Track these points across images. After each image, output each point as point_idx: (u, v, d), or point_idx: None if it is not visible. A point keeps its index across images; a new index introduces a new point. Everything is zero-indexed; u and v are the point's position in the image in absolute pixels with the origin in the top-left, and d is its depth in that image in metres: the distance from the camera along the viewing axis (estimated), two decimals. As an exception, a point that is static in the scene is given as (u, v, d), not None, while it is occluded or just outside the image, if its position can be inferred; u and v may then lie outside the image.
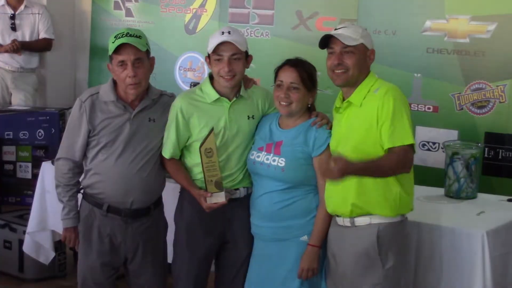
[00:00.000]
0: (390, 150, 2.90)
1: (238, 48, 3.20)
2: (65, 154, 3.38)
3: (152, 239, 3.43)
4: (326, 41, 3.04)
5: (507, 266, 3.32)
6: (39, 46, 6.37)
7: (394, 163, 2.88)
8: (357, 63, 2.99)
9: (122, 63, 3.24)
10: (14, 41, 6.14)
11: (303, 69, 3.17)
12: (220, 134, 3.25)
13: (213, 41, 3.23)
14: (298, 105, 3.17)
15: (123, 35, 3.24)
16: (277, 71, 3.22)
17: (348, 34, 3.00)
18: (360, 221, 2.99)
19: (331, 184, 3.03)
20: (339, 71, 3.00)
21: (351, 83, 3.03)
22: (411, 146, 2.93)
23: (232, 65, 3.21)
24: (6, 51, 6.13)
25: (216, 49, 3.21)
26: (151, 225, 3.42)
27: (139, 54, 3.25)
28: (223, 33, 3.22)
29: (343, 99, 3.08)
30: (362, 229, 2.98)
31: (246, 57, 3.29)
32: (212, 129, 3.18)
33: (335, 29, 3.06)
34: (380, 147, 2.93)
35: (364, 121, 2.96)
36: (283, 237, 3.19)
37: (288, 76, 3.16)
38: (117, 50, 3.23)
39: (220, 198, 3.18)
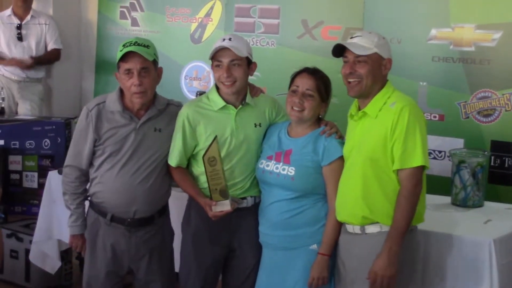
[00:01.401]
0: (398, 171, 2.92)
1: (237, 54, 3.20)
2: (72, 162, 3.39)
3: (157, 247, 3.42)
4: (342, 50, 3.04)
5: (514, 274, 3.32)
6: (51, 58, 6.41)
7: (408, 205, 2.89)
8: (370, 72, 2.97)
9: (129, 72, 3.25)
10: (32, 59, 6.16)
11: (320, 79, 3.18)
12: (226, 142, 3.24)
13: (214, 47, 3.25)
14: (310, 113, 3.16)
15: (131, 44, 3.25)
16: (294, 77, 3.22)
17: (361, 44, 2.98)
18: (371, 229, 2.99)
19: (341, 195, 3.04)
20: (352, 80, 2.99)
21: (365, 94, 3.01)
22: (421, 167, 2.92)
23: (231, 71, 3.21)
24: (18, 66, 6.17)
25: (216, 55, 3.23)
26: (156, 233, 3.41)
27: (145, 63, 3.25)
28: (224, 39, 3.24)
29: (359, 108, 3.07)
30: (372, 236, 2.98)
31: (249, 64, 3.29)
32: (215, 138, 3.15)
33: (351, 38, 3.05)
34: (391, 161, 2.94)
35: (378, 133, 2.95)
36: (292, 246, 3.18)
37: (305, 83, 3.16)
38: (124, 58, 3.24)
39: (225, 206, 3.16)
